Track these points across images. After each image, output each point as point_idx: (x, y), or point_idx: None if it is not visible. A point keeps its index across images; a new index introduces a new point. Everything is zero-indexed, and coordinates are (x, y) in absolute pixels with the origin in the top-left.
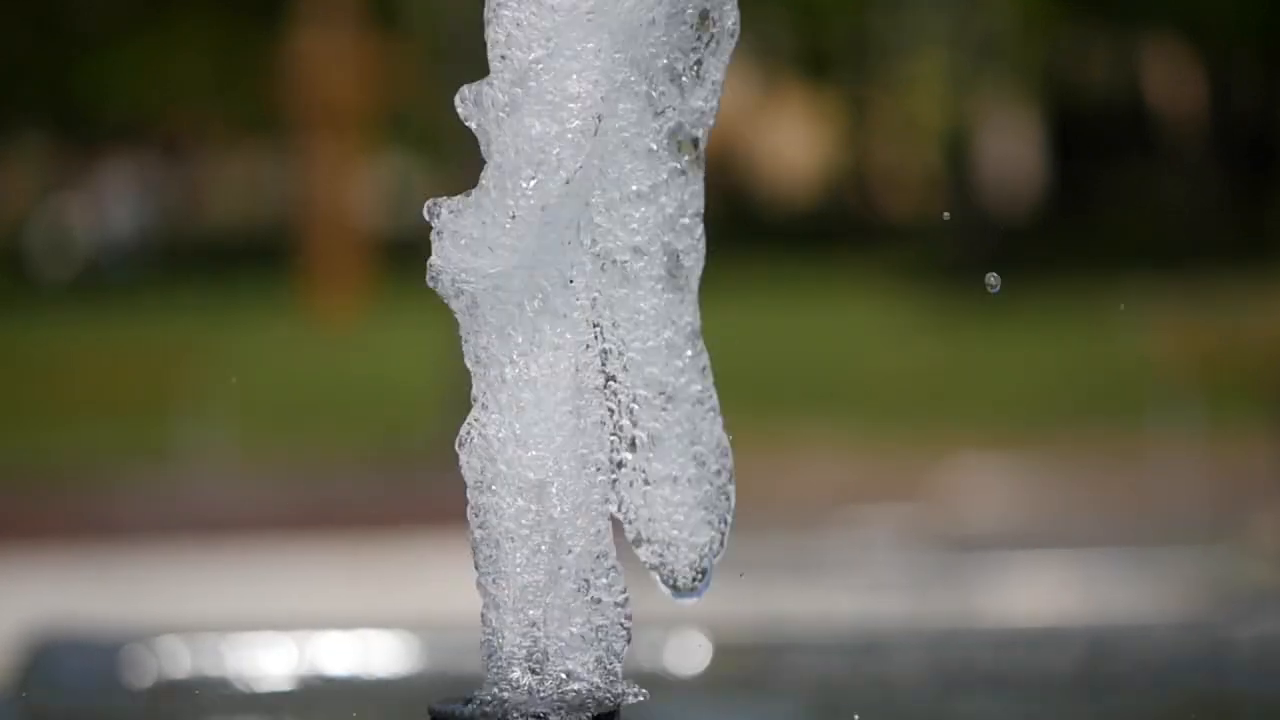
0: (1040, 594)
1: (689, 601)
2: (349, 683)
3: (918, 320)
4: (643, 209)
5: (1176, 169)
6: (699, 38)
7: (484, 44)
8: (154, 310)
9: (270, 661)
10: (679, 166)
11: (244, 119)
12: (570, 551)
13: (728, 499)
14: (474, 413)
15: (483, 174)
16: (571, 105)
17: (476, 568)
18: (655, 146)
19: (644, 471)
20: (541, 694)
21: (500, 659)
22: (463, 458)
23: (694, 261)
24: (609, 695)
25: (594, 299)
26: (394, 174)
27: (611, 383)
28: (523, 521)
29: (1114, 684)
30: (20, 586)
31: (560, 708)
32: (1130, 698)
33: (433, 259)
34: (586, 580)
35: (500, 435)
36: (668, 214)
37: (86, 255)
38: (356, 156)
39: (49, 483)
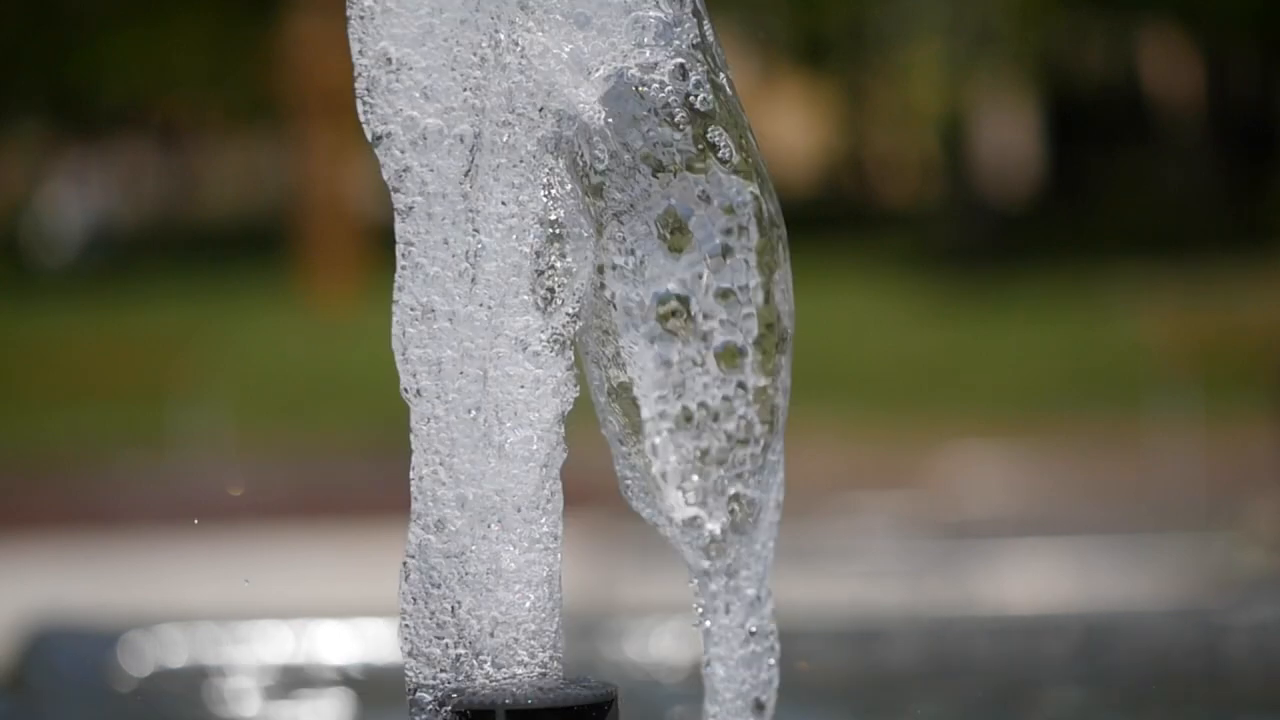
0: (1037, 581)
1: None
2: (345, 670)
3: (915, 307)
4: None
5: (1173, 156)
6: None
7: None
8: (150, 297)
9: (267, 649)
10: None
11: (240, 106)
12: None
13: None
14: None
15: None
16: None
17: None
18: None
19: None
20: (533, 683)
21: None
22: None
23: None
24: (604, 687)
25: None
26: None
27: None
28: None
29: (1111, 671)
30: (15, 574)
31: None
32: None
33: None
34: None
35: None
36: None
37: (80, 242)
38: (353, 143)
39: (45, 469)
